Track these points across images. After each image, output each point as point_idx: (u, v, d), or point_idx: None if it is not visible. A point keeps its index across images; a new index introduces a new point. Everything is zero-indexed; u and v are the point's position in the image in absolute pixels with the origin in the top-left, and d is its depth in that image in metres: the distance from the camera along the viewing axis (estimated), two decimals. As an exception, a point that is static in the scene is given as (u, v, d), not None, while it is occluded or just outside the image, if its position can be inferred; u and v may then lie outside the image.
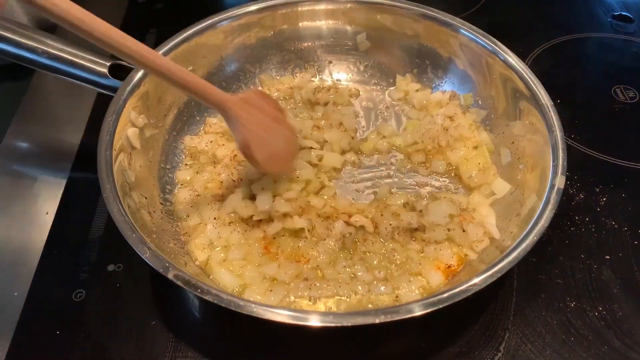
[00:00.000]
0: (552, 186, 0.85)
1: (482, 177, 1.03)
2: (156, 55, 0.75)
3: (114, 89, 0.97)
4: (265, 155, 0.91)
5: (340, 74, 1.27)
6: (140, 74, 0.98)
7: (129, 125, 0.96)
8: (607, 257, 0.96)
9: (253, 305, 0.69)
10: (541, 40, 1.39)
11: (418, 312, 0.70)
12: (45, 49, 0.98)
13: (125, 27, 1.46)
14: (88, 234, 0.98)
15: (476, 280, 0.73)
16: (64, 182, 1.06)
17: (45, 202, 1.03)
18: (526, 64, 1.04)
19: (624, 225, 1.01)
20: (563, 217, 1.01)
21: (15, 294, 0.90)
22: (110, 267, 0.93)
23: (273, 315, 0.69)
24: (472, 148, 1.09)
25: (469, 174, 1.04)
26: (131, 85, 0.97)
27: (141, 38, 1.40)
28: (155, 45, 1.40)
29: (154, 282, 0.92)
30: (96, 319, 0.87)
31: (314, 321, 0.69)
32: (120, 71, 1.00)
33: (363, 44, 1.24)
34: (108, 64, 1.00)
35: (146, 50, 0.74)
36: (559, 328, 0.87)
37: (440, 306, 0.70)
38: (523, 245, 0.77)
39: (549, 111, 0.95)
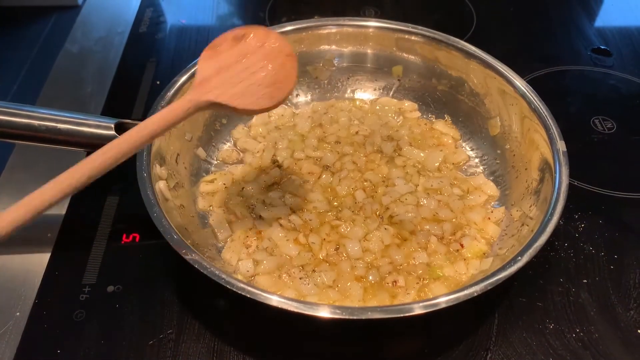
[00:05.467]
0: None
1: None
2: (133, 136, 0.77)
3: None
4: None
5: (362, 95, 1.33)
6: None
7: (157, 179, 0.97)
8: (585, 281, 1.01)
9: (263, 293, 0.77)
10: (524, 72, 1.44)
11: (418, 311, 0.75)
12: (51, 124, 0.96)
13: (125, 56, 1.51)
14: (89, 255, 1.01)
15: (476, 287, 0.78)
16: (65, 204, 1.09)
17: (47, 224, 1.06)
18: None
19: (600, 251, 1.06)
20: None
21: (18, 314, 0.93)
22: (110, 288, 0.97)
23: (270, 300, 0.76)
24: None
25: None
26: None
27: (141, 66, 1.46)
28: (155, 74, 1.45)
29: (152, 303, 0.95)
30: (96, 338, 0.90)
31: (323, 312, 0.75)
32: (124, 130, 0.99)
33: (384, 67, 1.31)
34: (112, 124, 0.99)
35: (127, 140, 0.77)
36: (538, 349, 0.91)
37: (438, 308, 0.76)
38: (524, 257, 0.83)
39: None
